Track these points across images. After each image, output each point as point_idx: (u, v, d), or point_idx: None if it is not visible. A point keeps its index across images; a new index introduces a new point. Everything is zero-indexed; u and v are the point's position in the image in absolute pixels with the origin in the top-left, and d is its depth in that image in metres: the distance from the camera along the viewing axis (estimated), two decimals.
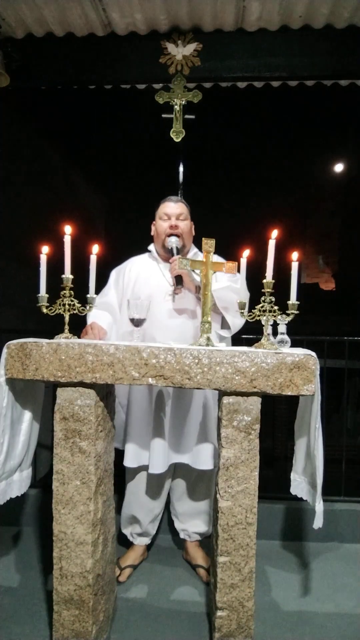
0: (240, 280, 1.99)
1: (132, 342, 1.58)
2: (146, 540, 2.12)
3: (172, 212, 2.03)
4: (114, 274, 2.15)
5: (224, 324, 2.01)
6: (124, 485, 2.12)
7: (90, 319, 1.93)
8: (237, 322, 1.96)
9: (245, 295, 1.68)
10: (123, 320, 2.03)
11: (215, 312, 1.96)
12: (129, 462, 1.98)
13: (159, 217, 2.06)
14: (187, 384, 1.44)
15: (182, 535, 2.15)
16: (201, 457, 1.94)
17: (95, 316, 1.95)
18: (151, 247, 2.15)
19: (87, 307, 1.62)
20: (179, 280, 1.91)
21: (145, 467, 1.96)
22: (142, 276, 2.06)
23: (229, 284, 1.94)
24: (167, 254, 2.01)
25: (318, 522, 1.56)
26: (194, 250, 2.15)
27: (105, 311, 2.02)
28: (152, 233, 2.13)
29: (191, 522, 2.12)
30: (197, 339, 1.65)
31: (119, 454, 2.00)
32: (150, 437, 1.92)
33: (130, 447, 1.97)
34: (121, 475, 2.11)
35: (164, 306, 1.97)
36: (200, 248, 2.12)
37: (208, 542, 1.86)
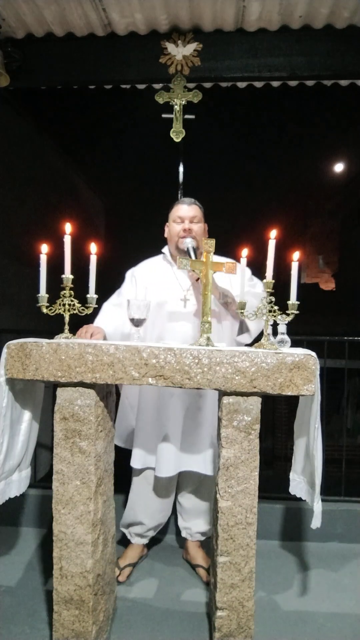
0: (258, 284, 1.97)
1: (131, 342, 1.58)
2: (144, 540, 2.12)
3: (186, 214, 1.98)
4: (129, 274, 2.12)
5: (241, 329, 1.99)
6: (129, 485, 2.10)
7: (99, 317, 1.94)
8: (258, 326, 1.94)
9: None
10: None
11: (235, 318, 1.96)
12: (135, 462, 1.98)
13: (173, 220, 2.01)
14: (187, 384, 1.44)
15: (184, 534, 2.15)
16: (207, 463, 1.93)
17: (105, 312, 1.97)
18: (165, 249, 2.10)
19: (89, 307, 1.62)
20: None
21: (151, 468, 1.96)
22: (155, 280, 2.02)
23: (248, 289, 1.87)
24: (181, 255, 1.96)
25: (316, 522, 1.56)
26: None
27: (121, 309, 1.96)
28: (165, 235, 2.09)
29: (195, 521, 2.12)
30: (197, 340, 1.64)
31: (122, 453, 2.00)
32: (160, 440, 1.91)
33: (138, 449, 1.97)
34: (123, 475, 2.10)
35: (176, 311, 1.95)
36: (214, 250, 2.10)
37: (208, 543, 1.86)
